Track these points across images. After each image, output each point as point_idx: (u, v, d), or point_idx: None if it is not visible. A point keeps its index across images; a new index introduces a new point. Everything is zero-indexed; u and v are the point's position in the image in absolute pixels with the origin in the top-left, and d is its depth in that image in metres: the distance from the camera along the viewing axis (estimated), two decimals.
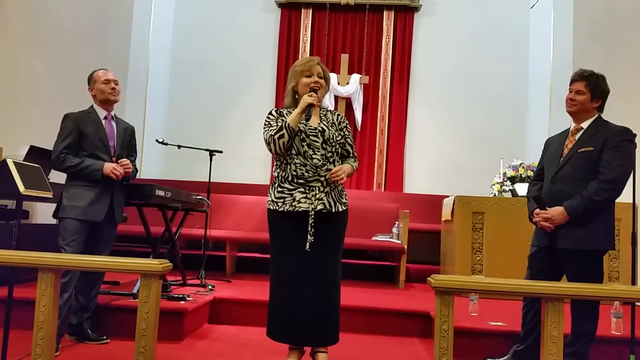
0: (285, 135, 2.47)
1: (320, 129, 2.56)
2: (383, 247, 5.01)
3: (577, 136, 2.62)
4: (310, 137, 2.53)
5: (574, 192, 2.51)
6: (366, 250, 5.73)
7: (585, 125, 2.62)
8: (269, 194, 2.61)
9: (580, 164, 2.55)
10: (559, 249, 2.55)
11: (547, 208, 2.58)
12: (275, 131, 2.50)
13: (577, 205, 2.48)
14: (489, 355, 2.86)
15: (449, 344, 1.90)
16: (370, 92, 7.48)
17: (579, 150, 2.57)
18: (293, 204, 2.49)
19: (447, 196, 4.90)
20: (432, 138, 7.39)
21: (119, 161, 2.95)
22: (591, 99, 2.58)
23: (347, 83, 7.35)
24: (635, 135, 2.58)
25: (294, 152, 2.52)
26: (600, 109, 2.64)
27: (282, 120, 2.54)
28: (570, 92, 2.63)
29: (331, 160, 2.56)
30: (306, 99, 2.50)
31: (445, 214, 4.78)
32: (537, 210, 2.62)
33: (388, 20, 7.52)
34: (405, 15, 7.54)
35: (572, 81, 2.63)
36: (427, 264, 5.38)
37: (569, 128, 2.71)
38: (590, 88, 2.58)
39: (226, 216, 5.50)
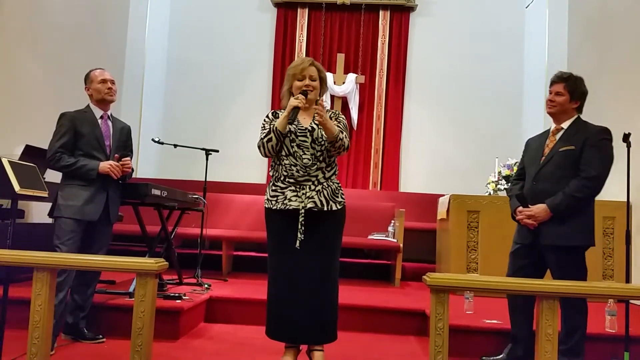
0: (273, 138, 2.50)
1: (309, 128, 2.56)
2: (379, 245, 5.02)
3: (558, 136, 2.69)
4: (300, 138, 2.54)
5: (556, 189, 2.57)
6: (362, 249, 5.74)
7: (565, 125, 2.68)
8: (266, 193, 2.63)
9: (562, 163, 2.61)
10: (542, 245, 2.61)
11: (529, 206, 2.62)
12: (265, 135, 2.53)
13: (559, 202, 2.54)
14: (484, 353, 2.88)
15: (444, 342, 1.91)
16: (366, 91, 7.50)
17: (560, 150, 2.63)
18: (285, 202, 2.51)
19: (443, 195, 4.91)
20: (427, 137, 7.41)
21: (121, 160, 2.94)
22: (570, 100, 2.65)
23: (343, 82, 7.37)
24: (612, 134, 2.62)
25: (284, 153, 2.54)
26: (580, 109, 2.70)
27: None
28: (550, 93, 2.69)
29: (321, 159, 2.56)
30: (291, 102, 2.52)
31: (441, 212, 4.80)
32: (520, 208, 2.67)
33: (384, 20, 7.53)
34: (401, 15, 7.56)
35: (552, 83, 2.70)
36: (423, 263, 5.39)
37: (550, 129, 2.77)
38: (569, 89, 2.64)
39: (222, 215, 5.49)
